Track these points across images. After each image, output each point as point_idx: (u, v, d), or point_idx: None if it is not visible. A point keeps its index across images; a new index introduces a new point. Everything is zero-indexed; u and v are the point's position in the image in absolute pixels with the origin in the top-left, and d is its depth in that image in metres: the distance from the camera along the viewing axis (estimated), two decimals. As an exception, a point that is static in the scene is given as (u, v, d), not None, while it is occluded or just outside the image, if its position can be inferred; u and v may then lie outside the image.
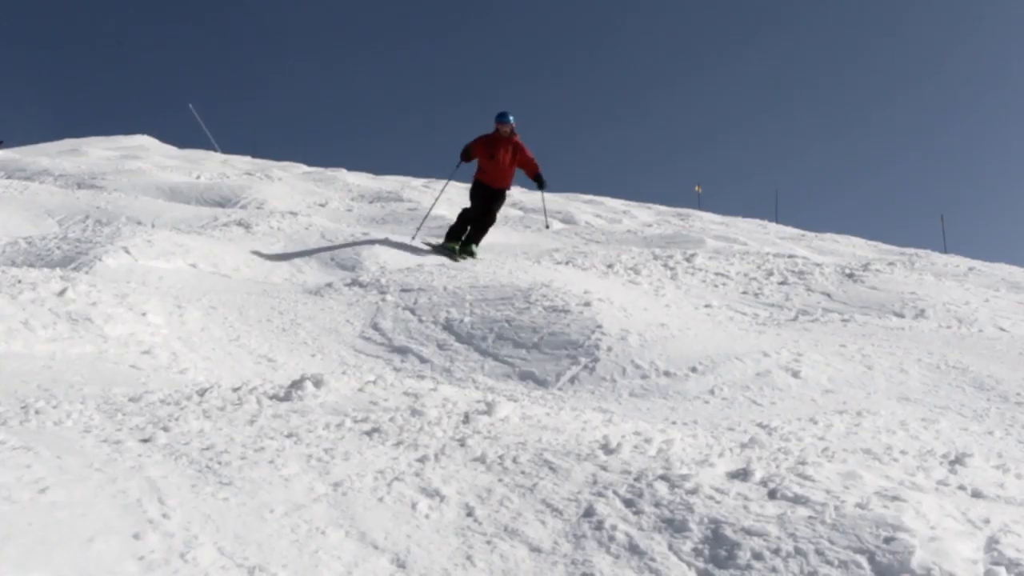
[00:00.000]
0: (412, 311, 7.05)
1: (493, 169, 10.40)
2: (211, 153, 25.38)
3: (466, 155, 10.54)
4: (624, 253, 10.14)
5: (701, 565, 2.43)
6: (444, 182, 12.54)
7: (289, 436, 3.36)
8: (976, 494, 2.87)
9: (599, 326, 6.22)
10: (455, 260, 9.77)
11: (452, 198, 18.34)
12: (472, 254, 10.50)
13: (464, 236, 10.55)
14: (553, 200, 17.91)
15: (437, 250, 10.54)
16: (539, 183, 10.73)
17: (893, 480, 2.88)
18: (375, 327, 6.85)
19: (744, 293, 8.43)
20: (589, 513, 2.71)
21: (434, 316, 6.90)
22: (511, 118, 10.33)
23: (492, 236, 13.40)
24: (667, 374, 5.56)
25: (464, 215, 10.63)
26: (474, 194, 10.61)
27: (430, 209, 12.50)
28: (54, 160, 19.07)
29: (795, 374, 5.51)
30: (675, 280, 8.78)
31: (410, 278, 7.98)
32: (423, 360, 6.20)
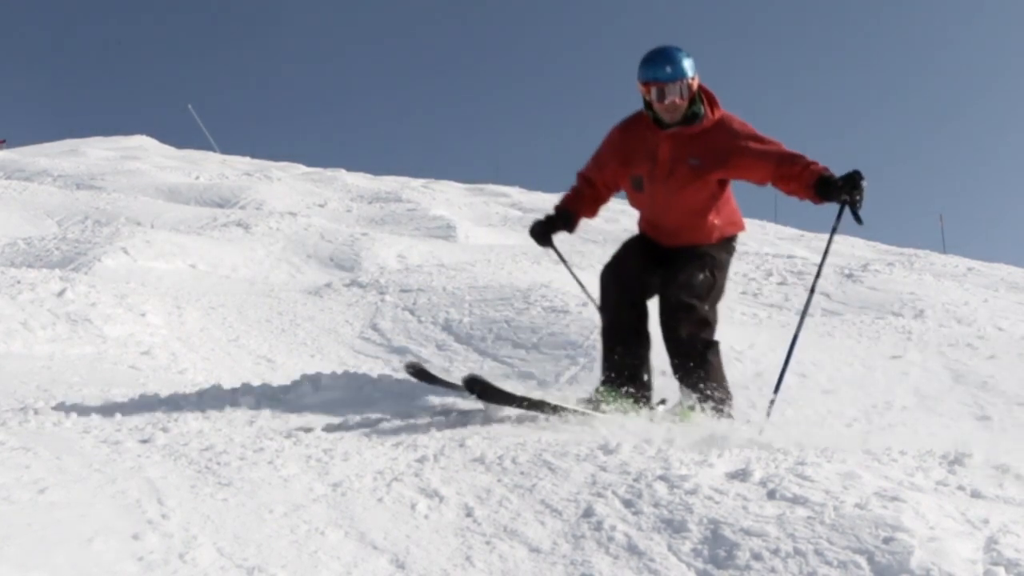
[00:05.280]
0: (411, 312, 7.06)
1: (650, 204, 4.19)
2: (210, 153, 25.42)
3: (572, 204, 4.40)
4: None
5: (700, 565, 2.43)
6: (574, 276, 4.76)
7: (288, 437, 3.36)
8: (975, 494, 2.86)
9: (598, 326, 6.21)
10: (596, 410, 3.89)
11: (451, 199, 18.29)
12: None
13: (619, 372, 4.06)
14: (550, 200, 17.89)
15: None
16: (826, 194, 3.79)
17: (892, 480, 2.88)
18: (374, 328, 6.85)
19: (743, 293, 8.42)
20: (588, 513, 2.71)
21: (433, 317, 6.90)
22: (685, 66, 3.91)
23: (491, 236, 13.33)
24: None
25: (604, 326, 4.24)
26: (620, 251, 4.32)
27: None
28: (53, 160, 19.08)
29: (794, 374, 5.51)
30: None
31: (409, 279, 7.99)
32: (422, 361, 6.20)
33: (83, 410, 3.67)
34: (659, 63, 3.90)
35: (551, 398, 3.83)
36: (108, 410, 3.70)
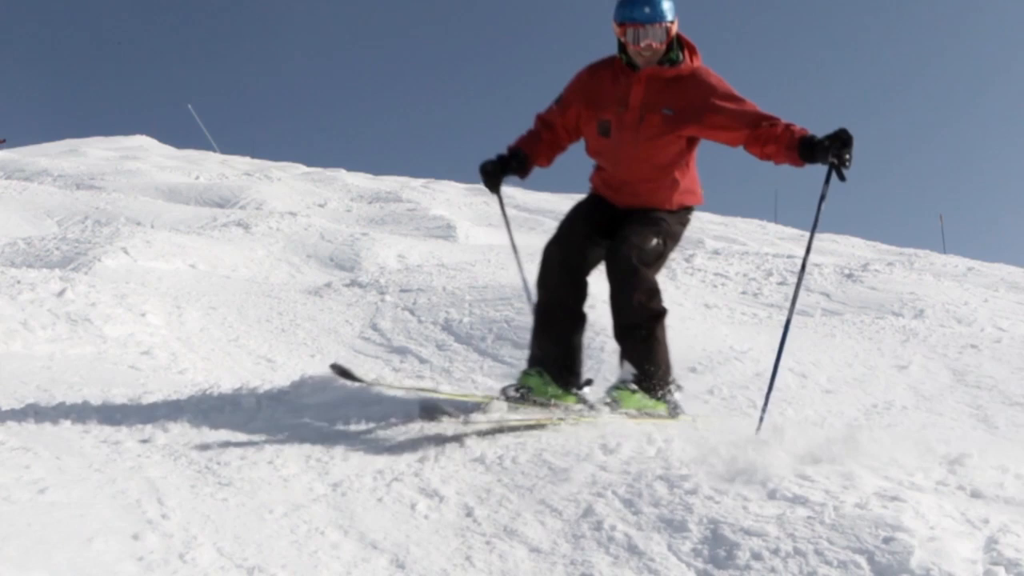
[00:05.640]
0: (411, 311, 7.05)
1: (614, 153, 3.90)
2: (210, 153, 25.46)
3: (527, 146, 4.03)
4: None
5: (700, 565, 2.43)
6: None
7: (288, 437, 3.36)
8: (975, 494, 2.86)
9: (599, 327, 6.21)
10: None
11: (451, 199, 18.27)
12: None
13: (549, 356, 3.86)
14: (551, 201, 17.92)
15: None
16: (811, 156, 3.53)
17: (892, 480, 2.88)
18: (374, 327, 6.85)
19: (743, 293, 8.43)
20: (588, 513, 2.71)
21: (433, 316, 6.90)
22: (664, 8, 3.69)
23: (491, 236, 13.34)
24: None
25: (540, 304, 3.94)
26: (566, 222, 4.03)
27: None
28: (53, 160, 19.10)
29: (794, 374, 5.51)
30: (674, 280, 8.78)
31: (409, 278, 7.99)
32: (422, 360, 6.20)
33: (83, 410, 3.67)
34: (637, 3, 3.67)
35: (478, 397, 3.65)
36: (108, 410, 3.70)
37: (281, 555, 2.49)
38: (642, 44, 3.68)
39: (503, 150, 4.03)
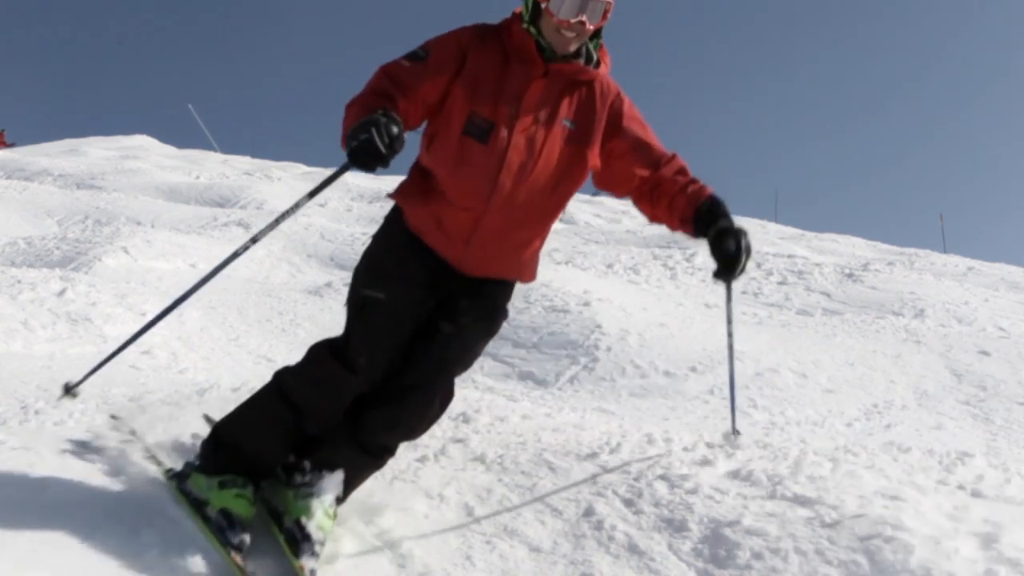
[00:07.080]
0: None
1: (484, 173, 2.54)
2: (210, 153, 25.45)
3: (391, 108, 2.47)
4: (624, 253, 10.14)
5: (701, 565, 2.43)
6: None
7: (289, 436, 3.35)
8: (976, 494, 2.87)
9: (598, 326, 6.22)
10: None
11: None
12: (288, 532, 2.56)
13: (268, 467, 2.76)
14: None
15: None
16: (703, 235, 2.67)
17: (892, 479, 2.88)
18: (375, 327, 6.84)
19: (743, 293, 8.43)
20: (589, 513, 2.72)
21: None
22: None
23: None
24: (667, 374, 5.56)
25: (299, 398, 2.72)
26: (371, 276, 2.77)
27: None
28: (53, 160, 19.09)
29: (794, 374, 5.52)
30: (675, 280, 8.78)
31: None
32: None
33: (83, 410, 3.67)
34: None
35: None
36: (108, 410, 3.70)
37: (281, 553, 2.49)
38: (573, 19, 2.49)
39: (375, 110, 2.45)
